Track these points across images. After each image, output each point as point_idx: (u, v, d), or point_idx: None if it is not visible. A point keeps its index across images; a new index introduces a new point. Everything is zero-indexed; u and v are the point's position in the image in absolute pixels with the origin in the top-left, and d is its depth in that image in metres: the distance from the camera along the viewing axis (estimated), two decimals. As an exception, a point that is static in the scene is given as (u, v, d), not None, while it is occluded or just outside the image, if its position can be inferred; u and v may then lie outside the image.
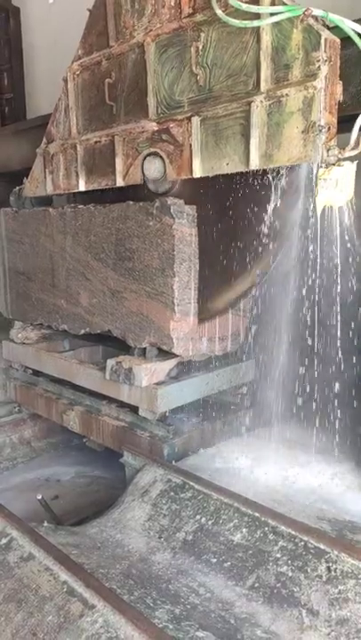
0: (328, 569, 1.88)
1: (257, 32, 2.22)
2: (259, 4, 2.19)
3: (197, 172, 2.58)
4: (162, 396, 2.90)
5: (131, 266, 2.99)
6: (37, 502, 2.89)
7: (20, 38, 6.09)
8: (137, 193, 3.02)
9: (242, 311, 3.21)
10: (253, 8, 2.17)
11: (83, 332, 3.47)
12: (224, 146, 2.44)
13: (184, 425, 3.09)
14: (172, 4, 2.55)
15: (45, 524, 2.48)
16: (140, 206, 2.88)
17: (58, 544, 2.05)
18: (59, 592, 1.76)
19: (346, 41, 2.11)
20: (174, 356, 2.98)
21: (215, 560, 2.11)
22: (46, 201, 3.78)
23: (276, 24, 2.15)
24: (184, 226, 2.75)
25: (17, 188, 3.84)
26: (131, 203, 2.95)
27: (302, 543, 1.99)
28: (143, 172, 2.84)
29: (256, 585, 1.96)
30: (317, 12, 2.07)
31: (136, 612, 1.63)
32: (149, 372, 2.92)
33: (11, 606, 1.81)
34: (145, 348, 3.03)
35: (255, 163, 2.32)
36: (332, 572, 1.86)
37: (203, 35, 2.43)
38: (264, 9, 2.16)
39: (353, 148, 2.09)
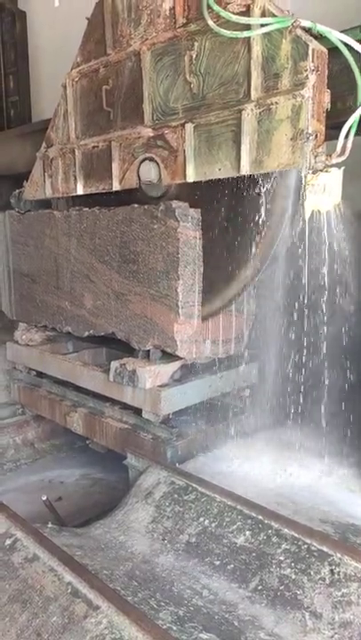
0: (331, 572, 1.88)
1: (248, 42, 2.28)
2: (249, 16, 2.25)
3: (191, 177, 2.63)
4: (165, 398, 2.91)
5: (135, 268, 3.00)
6: (41, 504, 2.90)
7: (25, 42, 6.13)
8: (132, 197, 3.05)
9: (245, 314, 3.22)
10: (243, 19, 2.24)
11: (87, 334, 3.49)
12: (216, 152, 2.49)
13: (187, 427, 3.09)
14: (167, 13, 2.61)
15: (50, 525, 2.49)
16: (144, 209, 2.90)
17: (62, 545, 2.06)
18: (63, 593, 1.77)
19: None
20: (178, 358, 2.99)
21: (218, 562, 2.11)
22: (45, 204, 3.81)
23: (266, 35, 2.21)
24: (188, 229, 2.77)
25: (17, 190, 3.88)
26: (136, 206, 2.97)
27: (305, 546, 1.99)
28: (139, 177, 2.89)
29: (259, 587, 1.96)
30: (305, 23, 2.14)
31: (140, 614, 1.64)
32: (153, 374, 2.93)
33: (15, 607, 1.82)
34: (149, 351, 3.04)
35: (246, 168, 2.37)
36: (336, 575, 1.87)
37: (196, 44, 2.49)
38: (254, 20, 2.22)
39: (339, 155, 2.16)
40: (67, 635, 1.65)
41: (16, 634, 1.73)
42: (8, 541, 2.09)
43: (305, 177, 2.20)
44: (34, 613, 1.77)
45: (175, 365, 3.03)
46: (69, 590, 1.77)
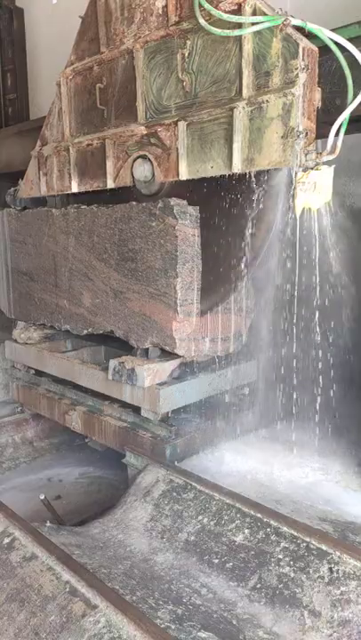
0: (330, 570, 1.88)
1: (239, 40, 2.28)
2: (241, 14, 2.25)
3: (184, 175, 2.64)
4: (164, 396, 2.90)
5: (133, 266, 2.99)
6: (39, 502, 2.90)
7: (23, 39, 6.10)
8: (125, 194, 3.05)
9: (244, 311, 3.21)
10: (235, 18, 2.24)
11: (85, 332, 3.48)
12: (209, 150, 2.50)
13: (186, 425, 3.09)
14: (160, 12, 2.61)
15: (48, 523, 2.48)
16: (142, 207, 2.89)
17: (60, 544, 2.06)
18: (61, 592, 1.76)
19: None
20: (177, 356, 2.98)
21: (217, 561, 2.11)
22: (41, 202, 3.80)
23: (258, 33, 2.21)
24: (187, 226, 2.76)
25: (12, 189, 3.87)
26: (134, 203, 2.96)
27: (304, 544, 1.99)
28: (133, 175, 2.88)
29: (258, 586, 1.96)
30: (296, 21, 2.15)
31: (138, 613, 1.64)
32: (152, 372, 2.93)
33: (13, 606, 1.81)
34: (147, 349, 3.04)
35: (238, 166, 2.38)
36: (335, 574, 1.86)
37: (189, 42, 2.49)
38: (245, 19, 2.23)
39: (330, 153, 2.16)
40: (65, 634, 1.65)
41: (14, 633, 1.73)
42: (6, 540, 2.08)
43: (295, 175, 2.20)
44: (32, 612, 1.76)
45: (174, 363, 3.02)
46: (67, 589, 1.76)
